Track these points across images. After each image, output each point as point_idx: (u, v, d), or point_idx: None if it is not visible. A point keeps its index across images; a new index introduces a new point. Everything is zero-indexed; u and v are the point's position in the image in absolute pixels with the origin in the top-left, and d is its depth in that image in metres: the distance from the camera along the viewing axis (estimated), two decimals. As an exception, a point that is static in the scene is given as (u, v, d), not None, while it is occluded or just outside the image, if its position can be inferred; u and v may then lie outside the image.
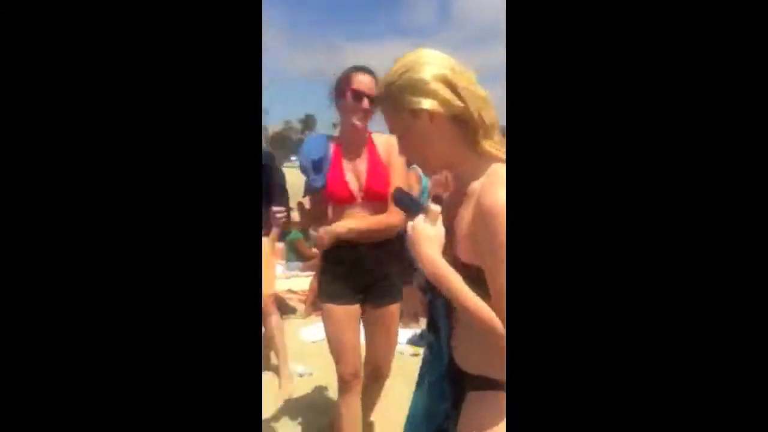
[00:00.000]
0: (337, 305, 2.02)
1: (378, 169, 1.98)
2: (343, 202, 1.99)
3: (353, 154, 2.00)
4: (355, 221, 1.97)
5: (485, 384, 1.04)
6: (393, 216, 1.95)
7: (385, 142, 2.01)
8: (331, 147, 2.02)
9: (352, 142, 2.00)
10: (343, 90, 1.93)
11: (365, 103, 1.89)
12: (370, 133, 2.01)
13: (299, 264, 5.74)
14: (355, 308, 2.05)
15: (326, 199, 2.02)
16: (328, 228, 1.95)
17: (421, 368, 1.21)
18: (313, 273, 4.72)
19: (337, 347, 2.04)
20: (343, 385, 2.05)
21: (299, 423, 2.64)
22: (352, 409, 2.07)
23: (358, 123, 1.92)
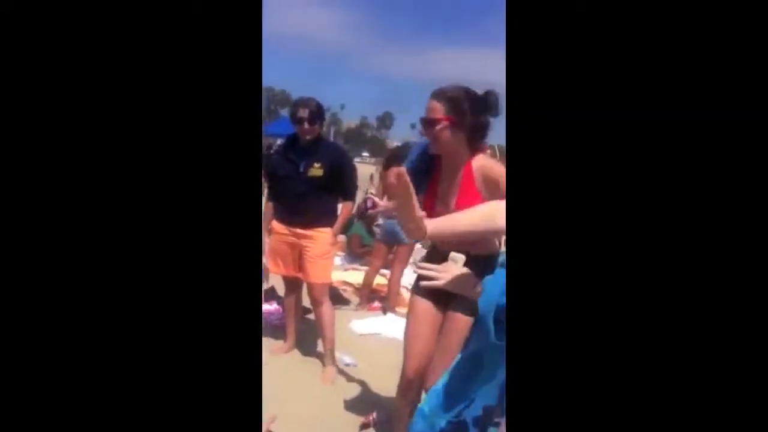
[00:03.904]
0: (426, 301, 2.04)
1: (467, 196, 1.93)
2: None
3: (451, 174, 1.98)
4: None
5: None
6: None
7: (482, 166, 1.94)
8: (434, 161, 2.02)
9: (449, 162, 1.98)
10: None
11: (430, 130, 1.90)
12: (472, 155, 1.94)
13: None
14: (440, 309, 2.04)
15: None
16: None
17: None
18: (368, 268, 4.79)
19: (411, 343, 2.06)
20: (404, 384, 2.07)
21: (339, 412, 2.69)
22: (406, 410, 2.06)
23: (431, 150, 1.95)
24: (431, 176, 2.04)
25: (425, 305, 2.05)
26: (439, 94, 1.91)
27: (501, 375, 1.11)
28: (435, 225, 1.40)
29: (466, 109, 1.88)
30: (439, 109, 1.88)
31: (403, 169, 1.36)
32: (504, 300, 1.09)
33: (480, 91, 1.94)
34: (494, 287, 1.14)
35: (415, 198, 1.31)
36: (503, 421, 1.06)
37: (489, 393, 1.13)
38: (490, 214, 1.42)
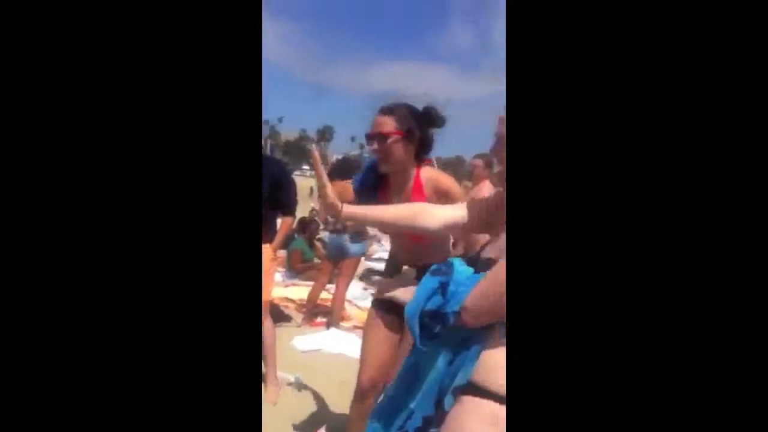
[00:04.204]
0: (384, 314, 2.04)
1: None
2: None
3: (399, 188, 2.01)
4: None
5: (484, 392, 1.05)
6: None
7: (430, 178, 1.98)
8: (382, 178, 2.03)
9: (396, 179, 2.01)
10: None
11: (375, 145, 1.92)
12: (418, 168, 1.98)
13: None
14: (398, 321, 2.04)
15: None
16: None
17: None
18: (312, 283, 4.73)
19: (367, 353, 2.09)
20: (359, 393, 2.08)
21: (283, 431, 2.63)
22: (360, 420, 2.05)
23: (380, 169, 1.96)
24: (379, 194, 2.05)
25: (383, 318, 2.07)
26: (387, 110, 1.94)
27: (434, 384, 1.13)
28: (353, 208, 1.50)
29: (414, 126, 1.92)
30: (390, 123, 1.90)
31: (314, 148, 1.46)
32: (430, 305, 1.12)
33: (419, 107, 1.97)
34: (420, 293, 1.15)
35: (324, 174, 1.40)
36: (439, 430, 1.08)
37: (426, 402, 1.14)
38: (413, 212, 1.45)
